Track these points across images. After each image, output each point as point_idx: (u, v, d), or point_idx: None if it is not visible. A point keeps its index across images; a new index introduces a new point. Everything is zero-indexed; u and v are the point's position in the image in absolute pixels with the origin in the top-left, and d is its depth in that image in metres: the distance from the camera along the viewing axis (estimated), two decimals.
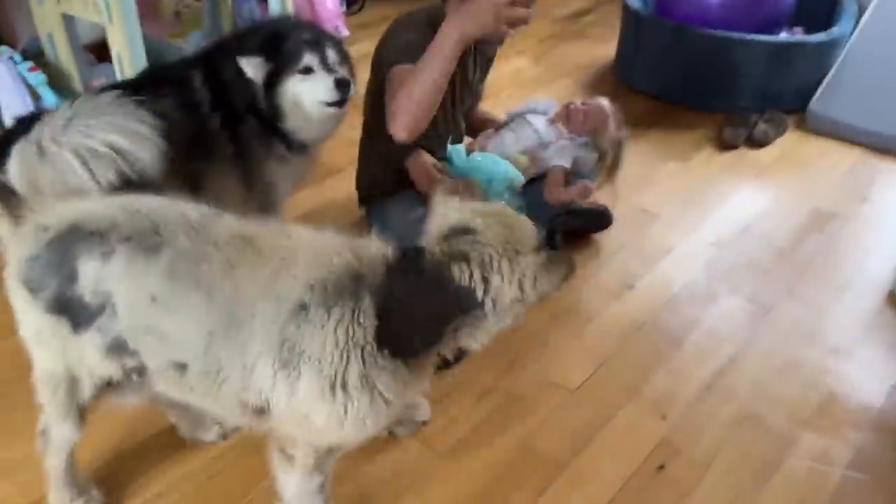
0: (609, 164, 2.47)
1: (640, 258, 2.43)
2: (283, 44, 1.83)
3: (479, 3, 1.82)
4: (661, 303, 2.25)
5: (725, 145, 3.05)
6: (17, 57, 2.83)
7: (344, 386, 1.25)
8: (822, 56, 3.21)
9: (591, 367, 2.01)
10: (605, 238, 2.51)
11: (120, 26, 2.62)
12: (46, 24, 2.88)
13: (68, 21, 2.83)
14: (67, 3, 2.72)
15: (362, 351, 1.24)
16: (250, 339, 1.25)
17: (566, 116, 2.43)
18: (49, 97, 2.87)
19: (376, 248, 1.30)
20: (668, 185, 2.82)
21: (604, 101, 2.48)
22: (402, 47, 2.04)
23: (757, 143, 3.06)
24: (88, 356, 1.35)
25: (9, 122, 3.01)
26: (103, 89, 1.78)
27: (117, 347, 1.32)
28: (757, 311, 2.22)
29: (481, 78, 2.43)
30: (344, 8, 4.23)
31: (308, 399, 1.25)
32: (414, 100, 1.87)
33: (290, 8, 3.28)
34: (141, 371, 1.36)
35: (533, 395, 1.93)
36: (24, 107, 2.84)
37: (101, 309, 1.29)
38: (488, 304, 1.25)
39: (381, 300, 1.24)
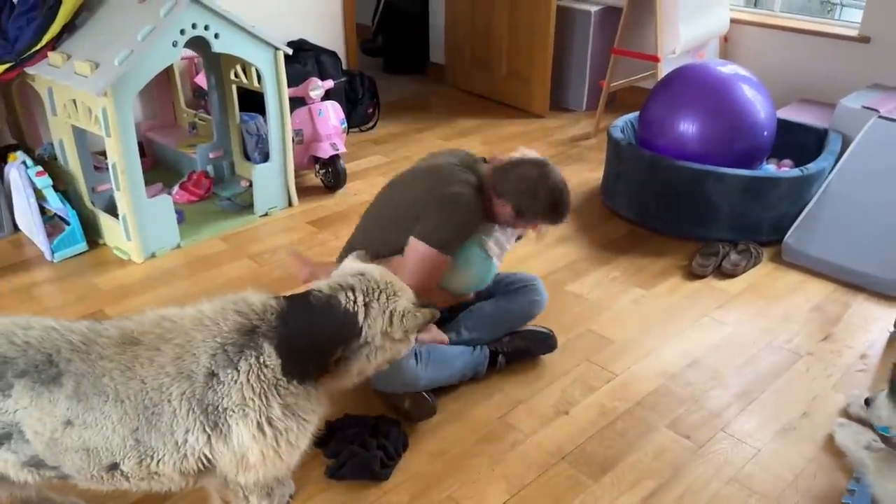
0: None
1: (581, 384, 2.44)
2: None
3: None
4: (593, 432, 2.24)
5: (693, 275, 3.07)
6: (29, 161, 3.11)
7: (270, 422, 1.45)
8: (798, 191, 3.24)
9: (506, 496, 2.01)
10: (553, 361, 2.54)
11: (116, 139, 2.87)
12: (59, 132, 3.17)
13: (77, 131, 3.11)
14: (75, 116, 2.99)
15: (276, 388, 1.45)
16: (174, 419, 1.41)
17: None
18: (53, 199, 3.11)
19: (259, 300, 1.53)
20: (628, 312, 2.84)
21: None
22: (441, 236, 2.16)
23: (726, 273, 3.07)
24: (2, 468, 1.46)
25: (19, 222, 3.29)
26: None
27: (36, 464, 1.45)
28: (689, 447, 2.19)
29: None
30: (356, 126, 4.51)
31: (243, 443, 1.46)
32: None
33: (290, 126, 3.53)
34: (63, 477, 1.48)
35: None
36: (28, 207, 3.09)
37: (8, 436, 1.42)
38: (365, 329, 1.52)
39: (279, 341, 1.47)
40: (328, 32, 4.78)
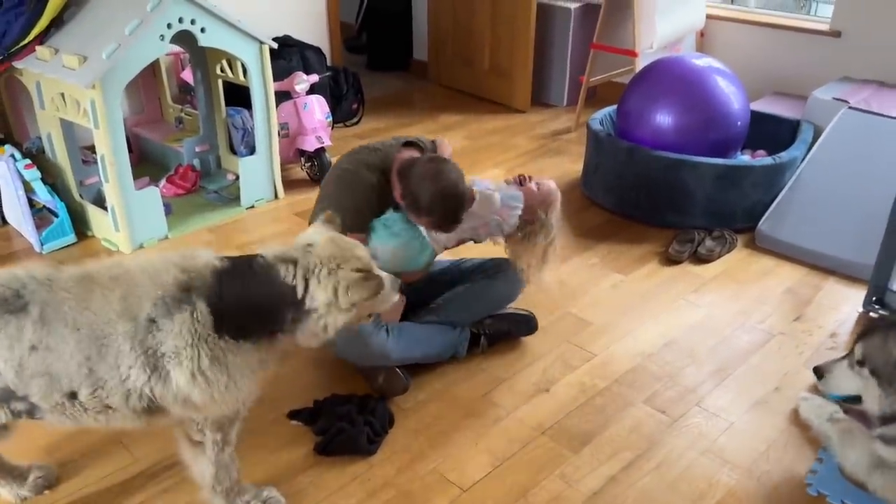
0: (549, 241, 2.45)
1: (561, 363, 2.52)
2: None
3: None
4: (572, 408, 2.31)
5: (670, 260, 3.17)
6: (17, 154, 3.14)
7: (201, 371, 1.55)
8: (771, 179, 3.34)
9: (488, 468, 2.08)
10: (534, 342, 2.62)
11: (105, 131, 2.92)
12: (47, 125, 3.21)
13: (65, 124, 3.15)
14: (63, 109, 3.04)
15: (206, 341, 1.55)
16: (119, 355, 1.53)
17: (519, 181, 2.44)
18: (42, 191, 3.15)
19: (204, 260, 1.63)
20: (607, 296, 2.93)
21: (552, 183, 2.55)
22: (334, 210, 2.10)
23: (701, 258, 3.17)
24: None
25: (8, 215, 3.33)
26: None
27: (6, 397, 1.58)
28: (665, 421, 2.27)
29: None
30: (340, 121, 4.57)
31: (183, 386, 1.55)
32: None
33: (276, 119, 3.59)
34: (31, 411, 1.61)
35: (425, 493, 2.00)
36: (17, 200, 3.13)
37: None
38: (308, 300, 1.60)
39: (211, 299, 1.56)
40: (313, 30, 4.84)
